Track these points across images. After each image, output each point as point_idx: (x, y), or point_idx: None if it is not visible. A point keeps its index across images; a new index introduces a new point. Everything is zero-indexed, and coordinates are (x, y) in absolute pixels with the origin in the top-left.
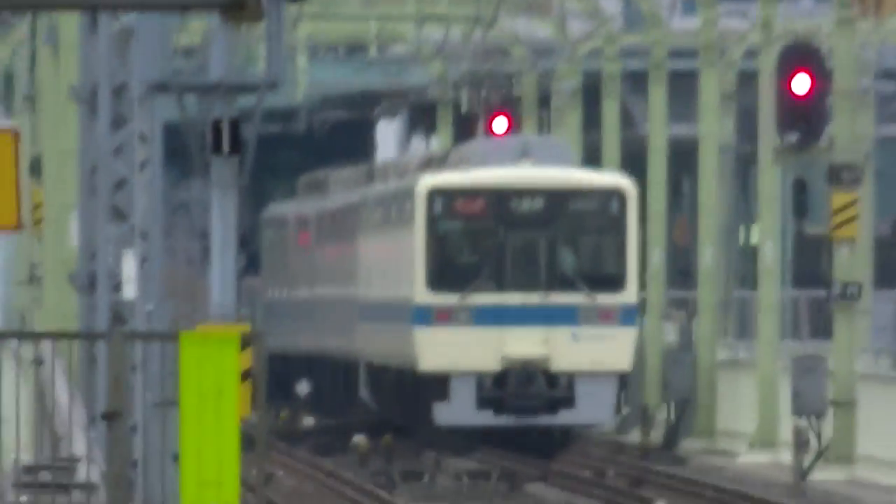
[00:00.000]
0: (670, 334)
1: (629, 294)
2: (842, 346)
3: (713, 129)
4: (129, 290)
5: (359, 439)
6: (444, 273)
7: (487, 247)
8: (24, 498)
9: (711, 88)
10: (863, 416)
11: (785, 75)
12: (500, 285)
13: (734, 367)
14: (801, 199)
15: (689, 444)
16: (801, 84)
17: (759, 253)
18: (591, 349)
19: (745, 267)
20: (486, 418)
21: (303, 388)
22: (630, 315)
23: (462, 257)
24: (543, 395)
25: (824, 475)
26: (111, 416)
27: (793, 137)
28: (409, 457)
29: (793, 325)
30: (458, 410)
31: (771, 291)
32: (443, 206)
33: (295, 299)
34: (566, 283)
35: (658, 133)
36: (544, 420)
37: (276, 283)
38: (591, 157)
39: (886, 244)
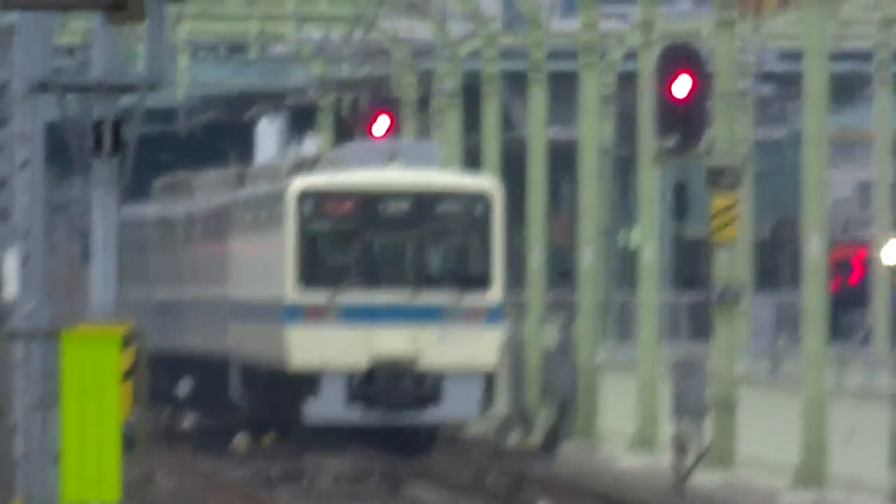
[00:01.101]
0: (550, 336)
1: (494, 294)
2: (721, 348)
3: (593, 130)
4: (11, 290)
5: (239, 439)
6: (314, 272)
7: (356, 247)
8: None
9: (591, 90)
10: (742, 419)
11: (664, 77)
12: (369, 284)
13: (614, 369)
14: (680, 202)
15: (569, 447)
16: (680, 86)
17: (639, 255)
18: (457, 348)
19: (625, 269)
20: (355, 416)
21: (183, 387)
22: (495, 315)
23: (331, 257)
24: (411, 393)
25: (704, 477)
26: None
27: (672, 139)
28: (290, 457)
29: (672, 327)
30: (327, 408)
31: (651, 293)
32: (313, 207)
33: (162, 300)
34: (433, 283)
35: (537, 134)
36: (412, 417)
37: (139, 283)
38: (472, 159)
39: (766, 247)
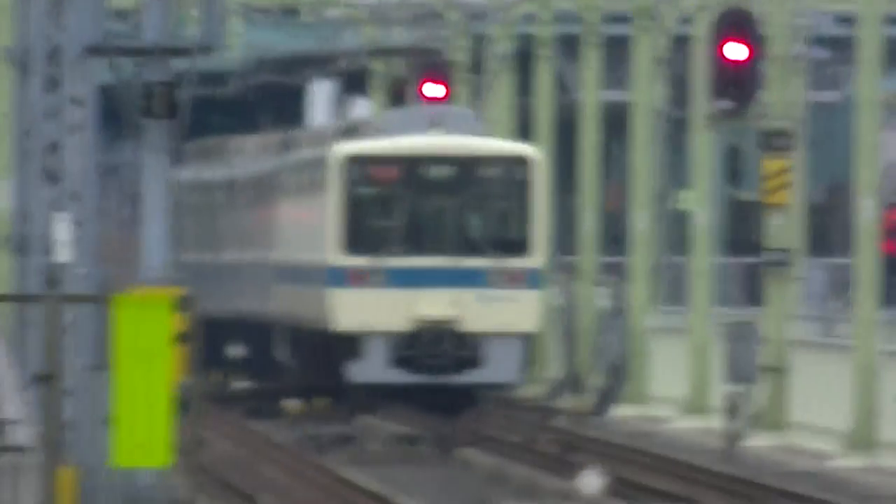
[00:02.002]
0: (602, 300)
1: (535, 258)
2: (773, 312)
3: (646, 93)
4: (63, 254)
5: (290, 403)
6: (357, 237)
7: (399, 212)
8: None
9: (645, 53)
10: (794, 383)
11: (718, 41)
12: (412, 249)
13: (666, 334)
14: (733, 166)
15: (620, 410)
16: (734, 50)
17: (692, 219)
18: (498, 311)
19: (677, 233)
20: (398, 376)
21: (235, 351)
22: (536, 278)
23: (375, 222)
24: (452, 355)
25: (755, 441)
26: (44, 379)
27: (725, 103)
28: (341, 420)
29: (725, 292)
30: (370, 369)
31: (703, 257)
32: (357, 172)
33: (200, 263)
34: (474, 247)
35: (591, 98)
36: (453, 379)
37: (178, 246)
38: (524, 123)
39: (820, 211)
